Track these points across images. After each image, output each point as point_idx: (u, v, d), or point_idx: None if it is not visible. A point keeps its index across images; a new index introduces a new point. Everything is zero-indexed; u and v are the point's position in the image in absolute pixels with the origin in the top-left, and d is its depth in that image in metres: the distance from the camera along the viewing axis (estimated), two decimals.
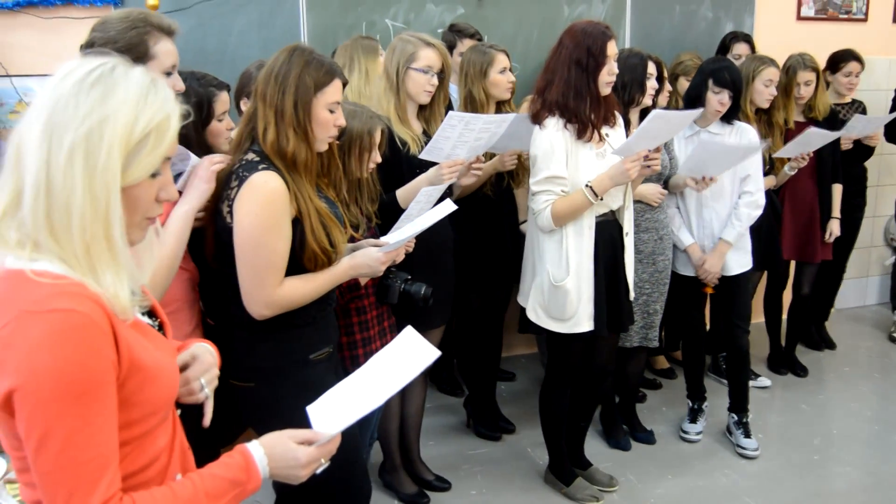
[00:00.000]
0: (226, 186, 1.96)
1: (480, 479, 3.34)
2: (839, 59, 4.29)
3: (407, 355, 1.56)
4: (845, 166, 4.19)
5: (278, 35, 3.60)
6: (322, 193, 2.10)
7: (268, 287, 1.92)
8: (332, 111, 2.01)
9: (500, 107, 3.30)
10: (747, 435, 3.56)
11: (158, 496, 1.18)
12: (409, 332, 1.62)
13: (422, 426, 3.26)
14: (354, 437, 2.18)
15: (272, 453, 1.32)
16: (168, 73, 1.90)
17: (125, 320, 1.15)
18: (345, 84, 2.09)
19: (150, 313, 1.36)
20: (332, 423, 1.42)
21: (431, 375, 3.28)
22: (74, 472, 1.08)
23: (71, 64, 1.14)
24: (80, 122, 1.09)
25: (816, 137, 3.58)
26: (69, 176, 1.08)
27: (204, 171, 1.95)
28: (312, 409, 1.49)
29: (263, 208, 1.89)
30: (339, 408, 1.49)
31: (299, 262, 1.97)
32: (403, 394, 3.08)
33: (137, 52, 1.79)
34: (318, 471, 1.38)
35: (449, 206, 2.24)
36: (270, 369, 2.03)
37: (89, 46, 1.84)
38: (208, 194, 1.96)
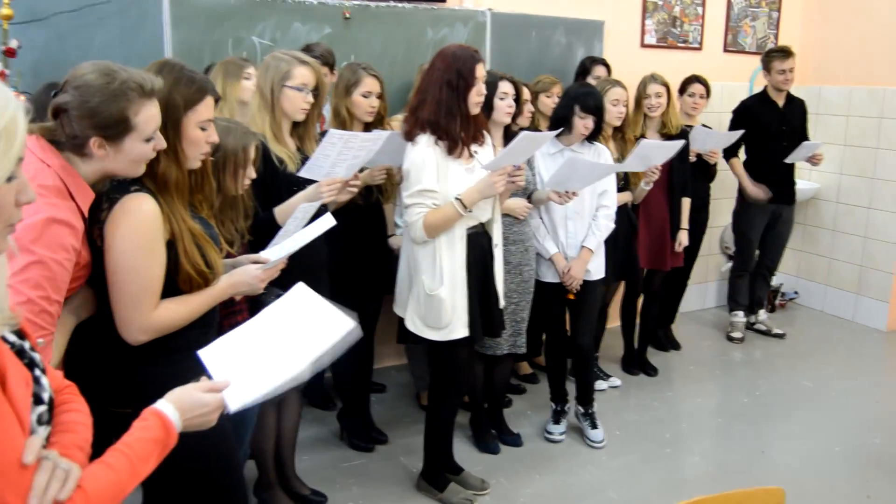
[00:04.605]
0: (96, 209, 1.86)
1: (356, 490, 3.33)
2: (685, 83, 4.62)
3: (307, 314, 1.62)
4: (691, 183, 4.47)
5: (141, 50, 3.47)
6: (196, 213, 2.03)
7: (143, 311, 1.83)
8: (203, 129, 1.95)
9: (369, 128, 3.29)
10: (594, 426, 3.75)
11: (100, 474, 1.22)
12: (300, 288, 1.70)
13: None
14: (230, 448, 2.11)
15: (182, 406, 1.39)
16: None
17: None
18: (217, 100, 2.04)
19: (20, 335, 1.29)
20: (237, 379, 1.48)
21: (303, 390, 3.23)
22: None
23: None
24: None
25: (651, 149, 3.76)
26: None
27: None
28: (205, 353, 1.55)
29: (137, 231, 1.80)
30: (235, 356, 1.55)
31: (174, 285, 1.90)
32: (279, 410, 3.03)
33: None
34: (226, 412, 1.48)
35: (329, 222, 2.23)
36: (148, 395, 1.93)
37: None
38: None
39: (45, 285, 1.63)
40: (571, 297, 3.65)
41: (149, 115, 1.77)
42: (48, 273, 1.63)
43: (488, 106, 3.26)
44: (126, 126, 1.73)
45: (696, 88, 4.60)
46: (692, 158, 4.47)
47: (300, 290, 1.69)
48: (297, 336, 1.56)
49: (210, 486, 2.02)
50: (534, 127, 3.95)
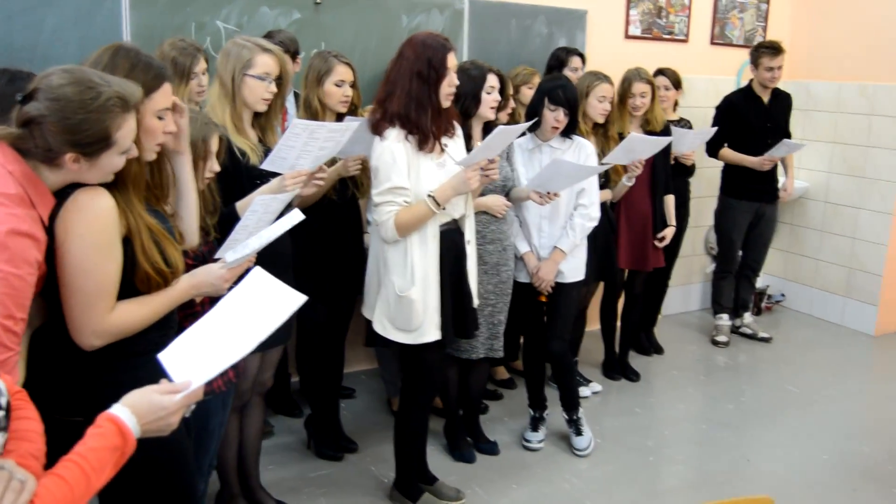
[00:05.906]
0: None
1: (324, 501, 3.31)
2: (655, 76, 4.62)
3: (262, 297, 1.64)
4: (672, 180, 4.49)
5: (97, 34, 3.41)
6: (151, 207, 1.98)
7: (97, 314, 1.77)
8: (160, 118, 1.92)
9: (342, 119, 3.27)
10: (578, 433, 3.75)
11: (54, 489, 1.21)
12: (257, 272, 1.73)
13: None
14: (187, 463, 2.07)
15: (139, 411, 1.40)
16: None
17: None
18: None
19: None
20: (194, 371, 1.49)
21: (267, 396, 3.20)
22: None
23: None
24: None
25: (639, 143, 3.79)
26: None
27: None
28: (164, 357, 1.56)
29: (92, 228, 1.75)
30: (196, 354, 1.55)
31: (131, 285, 1.85)
32: (242, 417, 2.99)
33: None
34: (187, 415, 1.50)
35: (296, 217, 2.19)
36: (102, 402, 1.88)
37: None
38: None
39: (8, 303, 1.58)
40: (543, 299, 3.65)
41: (129, 130, 1.74)
42: (9, 290, 1.58)
43: (475, 100, 3.26)
44: (107, 143, 1.70)
45: (660, 80, 4.59)
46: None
47: (256, 274, 1.72)
48: (253, 320, 1.59)
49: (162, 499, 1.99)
50: (514, 121, 3.95)
